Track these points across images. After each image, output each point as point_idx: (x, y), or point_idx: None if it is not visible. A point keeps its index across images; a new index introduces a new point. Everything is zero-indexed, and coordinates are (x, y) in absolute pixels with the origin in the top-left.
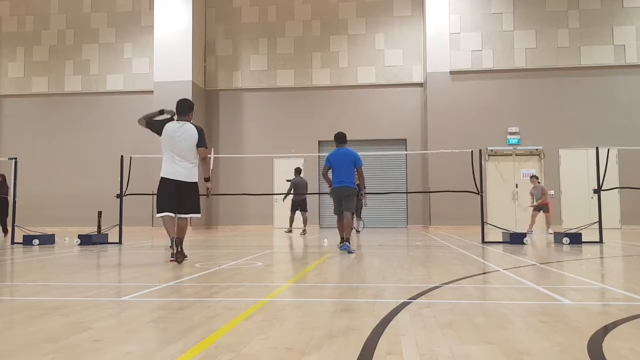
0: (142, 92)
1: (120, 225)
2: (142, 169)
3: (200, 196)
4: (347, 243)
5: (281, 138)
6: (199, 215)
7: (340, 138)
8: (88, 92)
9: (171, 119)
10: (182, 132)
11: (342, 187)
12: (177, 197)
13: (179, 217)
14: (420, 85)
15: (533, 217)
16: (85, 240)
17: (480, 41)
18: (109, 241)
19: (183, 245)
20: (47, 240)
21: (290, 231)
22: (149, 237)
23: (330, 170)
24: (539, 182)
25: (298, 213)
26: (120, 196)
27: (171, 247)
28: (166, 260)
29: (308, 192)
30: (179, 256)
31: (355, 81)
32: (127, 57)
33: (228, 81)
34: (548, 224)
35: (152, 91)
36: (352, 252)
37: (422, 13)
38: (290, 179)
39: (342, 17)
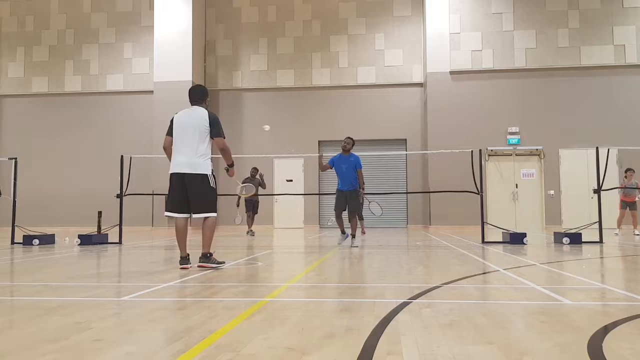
0: (142, 92)
1: (120, 225)
2: (142, 169)
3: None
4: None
5: (281, 138)
6: (214, 215)
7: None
8: (88, 92)
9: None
10: (190, 116)
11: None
12: (186, 194)
13: (197, 219)
14: (420, 85)
15: (622, 216)
16: (85, 240)
17: (480, 41)
18: (109, 241)
19: (207, 249)
20: (47, 240)
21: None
22: (149, 237)
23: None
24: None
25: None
26: (120, 196)
27: (181, 263)
28: (167, 261)
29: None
30: (204, 266)
31: (355, 81)
32: (127, 57)
33: (228, 81)
34: (635, 223)
35: (152, 91)
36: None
37: (422, 13)
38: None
39: (342, 17)
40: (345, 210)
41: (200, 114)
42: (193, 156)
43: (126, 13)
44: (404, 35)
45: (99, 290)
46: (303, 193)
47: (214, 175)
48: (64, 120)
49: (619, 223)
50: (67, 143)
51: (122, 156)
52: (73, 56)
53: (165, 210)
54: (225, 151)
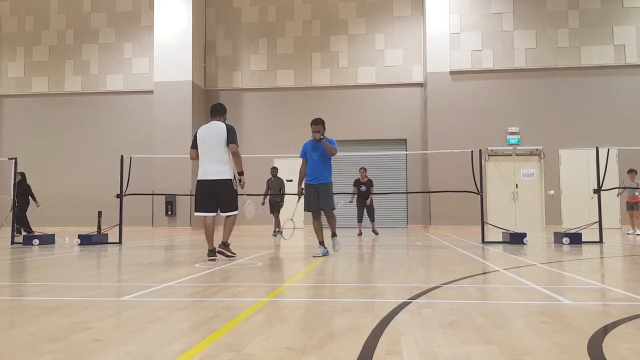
0: (142, 92)
1: (120, 225)
2: (142, 169)
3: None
4: (335, 238)
5: (281, 138)
6: (235, 213)
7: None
8: (88, 92)
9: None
10: (211, 130)
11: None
12: (214, 197)
13: (223, 217)
14: (420, 85)
15: (631, 217)
16: (85, 240)
17: (480, 41)
18: (109, 241)
19: (226, 239)
20: (47, 240)
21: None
22: (149, 237)
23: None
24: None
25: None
26: (120, 196)
27: (209, 255)
28: (167, 261)
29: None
30: (222, 252)
31: (355, 81)
32: (127, 57)
33: (228, 81)
34: (637, 224)
35: (152, 91)
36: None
37: (422, 13)
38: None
39: (342, 17)
40: (319, 209)
41: (220, 127)
42: (219, 164)
43: (126, 13)
44: (404, 35)
45: (99, 290)
46: (303, 193)
47: (234, 179)
48: (64, 120)
49: (633, 225)
50: (67, 143)
51: (122, 156)
52: (73, 56)
53: (195, 211)
54: (236, 155)
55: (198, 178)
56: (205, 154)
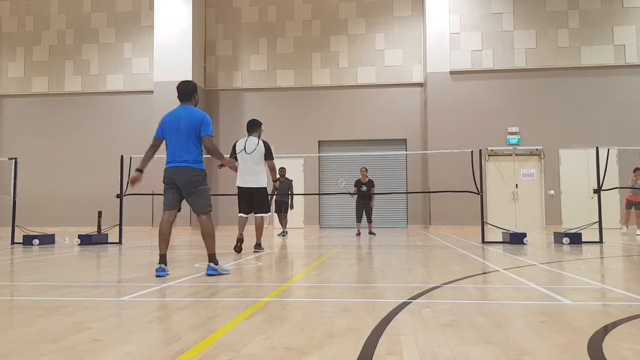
0: (142, 92)
1: (120, 225)
2: None
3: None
4: (212, 264)
5: (281, 138)
6: (268, 214)
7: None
8: (88, 92)
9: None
10: (251, 145)
11: (179, 169)
12: (249, 201)
13: (255, 217)
14: (420, 85)
15: (628, 215)
16: (85, 240)
17: (480, 41)
18: (109, 241)
19: (259, 240)
20: (47, 240)
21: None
22: (149, 237)
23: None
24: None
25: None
26: (120, 196)
27: (235, 245)
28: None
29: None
30: (257, 250)
31: (355, 81)
32: (127, 57)
33: (228, 81)
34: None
35: (152, 91)
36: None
37: (422, 13)
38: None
39: (342, 17)
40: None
41: (260, 144)
42: (257, 174)
43: (126, 13)
44: (404, 35)
45: (99, 290)
46: (303, 193)
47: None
48: (64, 120)
49: (626, 221)
50: (67, 143)
51: (122, 156)
52: (73, 56)
53: (239, 212)
54: (273, 169)
55: (237, 185)
56: (245, 165)
